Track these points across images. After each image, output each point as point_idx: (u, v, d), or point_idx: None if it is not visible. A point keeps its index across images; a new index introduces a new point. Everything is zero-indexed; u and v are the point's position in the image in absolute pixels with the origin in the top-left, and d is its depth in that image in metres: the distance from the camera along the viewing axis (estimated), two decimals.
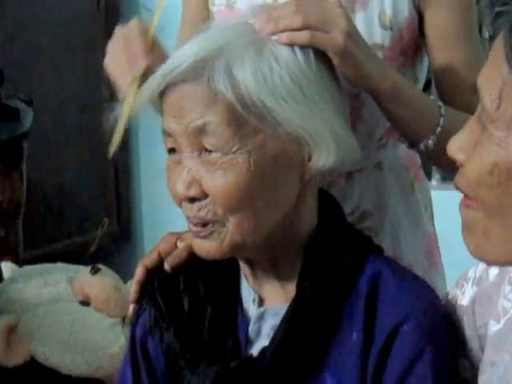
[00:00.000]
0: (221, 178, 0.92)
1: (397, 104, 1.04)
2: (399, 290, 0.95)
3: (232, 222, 0.93)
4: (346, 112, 1.00)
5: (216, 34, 0.96)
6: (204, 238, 0.95)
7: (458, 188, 0.81)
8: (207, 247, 0.95)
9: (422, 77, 1.21)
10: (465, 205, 0.80)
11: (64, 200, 2.50)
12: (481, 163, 0.76)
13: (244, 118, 0.92)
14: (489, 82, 0.75)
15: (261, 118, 0.92)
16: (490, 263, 0.86)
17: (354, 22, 1.10)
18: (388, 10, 1.12)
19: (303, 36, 0.95)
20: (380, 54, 1.11)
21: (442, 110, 1.06)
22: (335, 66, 0.97)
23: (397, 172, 1.22)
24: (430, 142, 1.05)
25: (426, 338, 0.92)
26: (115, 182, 2.68)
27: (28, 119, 1.94)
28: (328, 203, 1.02)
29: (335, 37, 0.96)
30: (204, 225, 0.94)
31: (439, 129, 1.05)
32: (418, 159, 1.27)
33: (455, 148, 0.80)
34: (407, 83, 1.07)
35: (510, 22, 0.74)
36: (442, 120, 1.05)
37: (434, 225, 1.29)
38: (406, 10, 1.13)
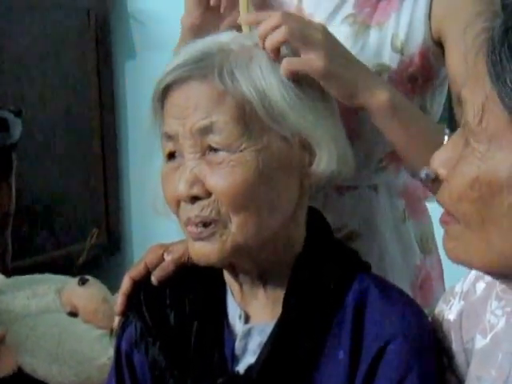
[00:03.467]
0: (228, 176, 0.91)
1: (393, 122, 1.02)
2: (386, 308, 0.94)
3: (235, 222, 0.92)
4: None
5: (230, 37, 0.97)
6: (205, 239, 0.93)
7: (439, 203, 0.80)
8: (208, 250, 0.93)
9: (434, 109, 1.18)
10: (444, 222, 0.80)
11: (53, 211, 2.49)
12: (462, 178, 0.76)
13: (252, 117, 0.91)
14: (472, 94, 0.75)
15: (272, 117, 0.92)
16: (465, 266, 0.87)
17: (367, 37, 1.11)
18: (402, 35, 1.11)
19: (283, 65, 0.94)
20: (385, 76, 1.10)
21: (446, 136, 1.03)
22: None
23: (392, 199, 1.20)
24: (430, 171, 1.01)
25: (413, 357, 0.92)
26: (104, 192, 2.68)
27: (17, 130, 1.94)
28: (316, 219, 1.02)
29: (314, 61, 0.95)
30: (205, 225, 0.93)
31: None
32: (420, 192, 1.24)
33: (438, 162, 0.80)
34: (406, 103, 1.04)
35: (491, 38, 0.74)
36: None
37: (427, 258, 1.25)
38: (420, 38, 1.11)
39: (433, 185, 1.01)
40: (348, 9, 1.13)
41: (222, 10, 1.09)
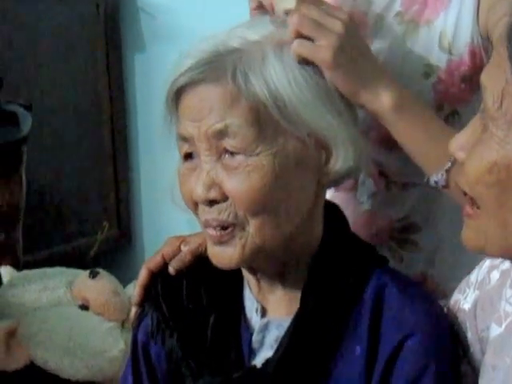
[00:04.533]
0: (245, 181, 0.90)
1: (397, 127, 0.99)
2: (403, 303, 0.94)
3: (253, 225, 0.92)
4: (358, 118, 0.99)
5: (242, 31, 0.95)
6: (224, 243, 0.93)
7: (457, 186, 0.81)
8: (229, 255, 0.93)
9: None
10: (467, 215, 0.81)
11: (64, 204, 2.49)
12: (480, 162, 0.76)
13: (267, 119, 0.91)
14: (492, 80, 0.75)
15: (286, 118, 0.91)
16: (481, 253, 0.87)
17: (417, 37, 1.08)
18: (449, 33, 1.08)
19: (293, 46, 0.93)
20: (435, 76, 1.07)
21: None
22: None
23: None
24: (439, 177, 0.99)
25: (431, 353, 0.92)
26: (115, 185, 2.68)
27: (27, 124, 1.94)
28: (333, 214, 1.01)
29: (323, 50, 0.93)
30: (224, 228, 0.93)
31: (449, 164, 0.96)
32: None
33: (456, 146, 0.80)
34: (416, 107, 1.00)
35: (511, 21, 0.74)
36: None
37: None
38: (468, 35, 1.07)
39: (444, 190, 1.01)
40: (397, 6, 1.11)
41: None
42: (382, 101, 0.97)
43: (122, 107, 2.66)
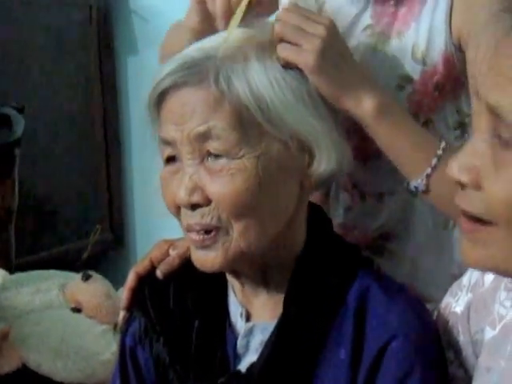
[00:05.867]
0: (228, 184, 0.90)
1: (378, 133, 0.99)
2: (387, 305, 0.94)
3: (237, 229, 0.91)
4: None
5: (224, 37, 0.96)
6: (207, 248, 0.93)
7: (465, 212, 0.78)
8: (211, 259, 0.93)
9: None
10: (468, 231, 0.78)
11: (56, 207, 2.49)
12: (510, 184, 0.73)
13: (250, 122, 0.91)
14: (507, 96, 0.72)
15: (269, 121, 0.91)
16: (489, 272, 0.85)
17: (388, 49, 1.07)
18: (422, 44, 1.07)
19: (277, 50, 0.93)
20: (409, 88, 1.07)
21: (440, 151, 0.98)
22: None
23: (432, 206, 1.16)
24: (419, 182, 0.98)
25: (415, 354, 0.91)
26: (108, 188, 2.68)
27: (20, 126, 1.94)
28: (316, 216, 1.01)
29: (306, 54, 0.94)
30: (207, 232, 0.92)
31: (429, 170, 0.97)
32: None
33: (459, 169, 0.77)
34: (398, 115, 1.00)
35: None
36: (435, 160, 0.98)
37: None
38: (442, 42, 1.06)
39: (424, 195, 1.00)
40: (366, 19, 1.10)
41: (217, 21, 1.04)
42: (364, 106, 0.97)
43: (114, 109, 2.66)
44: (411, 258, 1.17)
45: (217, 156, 0.91)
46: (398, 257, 1.15)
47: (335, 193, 1.20)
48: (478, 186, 0.76)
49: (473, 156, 0.76)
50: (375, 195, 1.15)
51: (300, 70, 0.95)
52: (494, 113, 0.74)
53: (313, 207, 1.01)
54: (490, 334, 0.89)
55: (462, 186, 0.77)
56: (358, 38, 1.10)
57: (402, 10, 1.09)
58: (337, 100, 0.96)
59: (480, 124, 0.76)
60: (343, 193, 1.18)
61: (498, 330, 0.88)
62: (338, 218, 1.18)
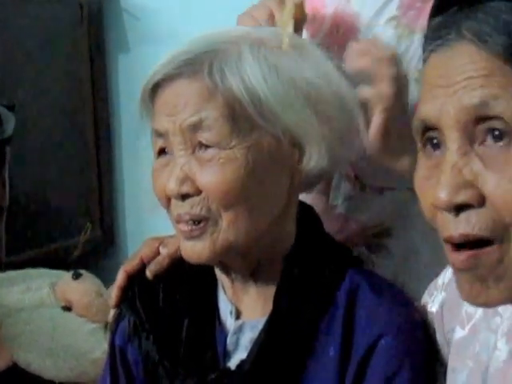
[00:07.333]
0: (218, 173, 0.91)
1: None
2: (377, 303, 0.94)
3: (226, 220, 0.92)
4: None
5: (219, 33, 0.97)
6: (196, 238, 0.93)
7: (467, 236, 0.72)
8: (199, 249, 0.93)
9: None
10: (467, 268, 0.72)
11: (46, 205, 2.48)
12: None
13: (242, 114, 0.91)
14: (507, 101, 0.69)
15: (261, 115, 0.92)
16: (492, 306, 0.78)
17: (411, 43, 1.09)
18: None
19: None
20: None
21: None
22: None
23: None
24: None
25: (404, 352, 0.92)
26: (98, 186, 2.67)
27: (10, 124, 1.93)
28: (307, 214, 1.01)
29: (382, 92, 0.97)
30: (196, 223, 0.93)
31: None
32: None
33: (451, 191, 0.71)
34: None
35: None
36: None
37: None
38: None
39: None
40: (392, 9, 1.11)
41: None
42: (403, 164, 1.00)
43: (105, 108, 2.65)
44: (404, 257, 1.18)
45: (208, 147, 0.92)
46: (391, 254, 1.16)
47: (337, 182, 1.20)
48: (480, 199, 0.71)
49: (458, 173, 0.71)
50: (376, 188, 1.16)
51: (293, 65, 0.95)
52: (468, 119, 0.70)
53: (304, 206, 1.02)
54: (459, 333, 0.89)
55: (459, 210, 0.71)
56: (383, 27, 1.10)
57: (429, 6, 1.10)
58: (380, 158, 1.00)
59: (449, 140, 0.72)
60: (345, 182, 1.19)
61: (467, 329, 0.88)
62: (336, 207, 1.19)
